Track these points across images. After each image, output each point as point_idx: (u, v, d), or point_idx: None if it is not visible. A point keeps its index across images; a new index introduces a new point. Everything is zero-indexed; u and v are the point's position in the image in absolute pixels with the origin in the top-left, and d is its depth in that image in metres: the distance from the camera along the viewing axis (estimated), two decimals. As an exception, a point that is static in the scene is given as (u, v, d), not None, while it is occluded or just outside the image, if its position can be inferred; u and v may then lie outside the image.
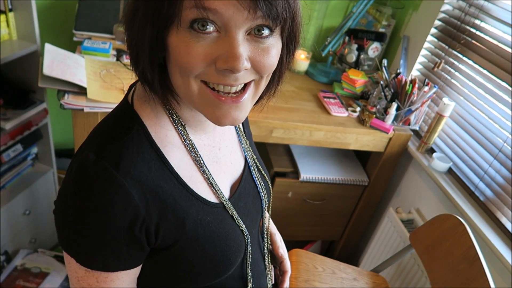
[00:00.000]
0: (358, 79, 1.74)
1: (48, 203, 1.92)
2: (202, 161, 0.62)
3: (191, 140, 0.61)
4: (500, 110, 1.36)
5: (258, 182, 0.75)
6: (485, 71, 1.43)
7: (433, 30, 1.67)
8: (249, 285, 0.73)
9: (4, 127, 1.52)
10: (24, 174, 1.79)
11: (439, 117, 1.54)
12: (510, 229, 1.28)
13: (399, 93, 1.63)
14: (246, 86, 0.52)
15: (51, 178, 1.89)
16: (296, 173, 1.72)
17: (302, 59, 1.87)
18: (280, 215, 1.77)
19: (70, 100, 1.26)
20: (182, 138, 0.60)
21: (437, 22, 1.66)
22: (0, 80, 1.63)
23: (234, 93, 0.52)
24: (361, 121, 1.62)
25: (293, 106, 1.61)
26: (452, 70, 1.59)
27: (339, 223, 1.90)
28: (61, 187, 0.56)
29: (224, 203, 0.65)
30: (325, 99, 1.68)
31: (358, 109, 1.66)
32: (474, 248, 1.06)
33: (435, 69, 1.65)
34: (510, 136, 1.32)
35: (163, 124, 0.59)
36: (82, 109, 1.26)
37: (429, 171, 1.55)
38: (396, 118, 1.65)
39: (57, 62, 1.32)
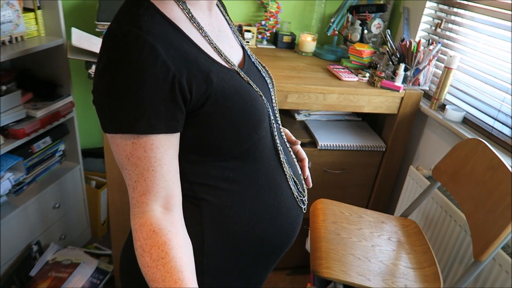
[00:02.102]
0: (364, 50, 1.82)
1: (76, 199, 1.98)
2: (208, 35, 0.68)
3: (193, 16, 0.66)
4: (504, 46, 1.42)
5: (261, 68, 0.81)
6: (484, 16, 1.50)
7: (430, -4, 1.77)
8: (281, 155, 0.77)
9: (35, 115, 1.62)
10: (53, 170, 1.87)
11: (447, 70, 1.59)
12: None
13: (406, 56, 1.70)
14: None
15: (78, 174, 1.96)
16: (314, 144, 1.76)
17: (308, 41, 1.97)
18: (302, 187, 1.78)
19: (97, 71, 1.36)
20: (185, 13, 0.65)
21: (433, -12, 1.75)
22: (30, 76, 1.75)
23: None
24: (371, 84, 1.68)
25: (305, 75, 1.69)
26: (453, 26, 1.67)
27: (362, 195, 1.90)
28: (95, 69, 0.62)
29: (238, 70, 0.70)
30: (334, 69, 1.76)
31: (367, 74, 1.73)
32: (497, 157, 1.07)
33: (437, 29, 1.72)
34: (517, 69, 1.36)
35: (167, 1, 0.64)
36: (109, 78, 1.36)
37: (445, 123, 1.58)
38: (405, 80, 1.70)
39: (84, 40, 1.43)
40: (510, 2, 1.39)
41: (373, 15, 1.89)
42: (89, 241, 2.13)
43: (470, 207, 1.10)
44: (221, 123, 0.65)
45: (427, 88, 1.74)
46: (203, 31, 0.67)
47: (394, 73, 1.69)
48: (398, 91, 1.65)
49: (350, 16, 1.94)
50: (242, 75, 0.71)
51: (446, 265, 1.38)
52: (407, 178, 1.68)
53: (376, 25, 1.95)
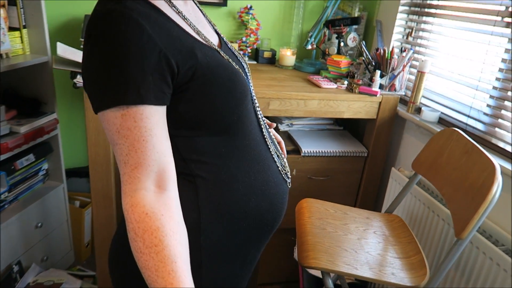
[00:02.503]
0: (342, 60, 1.89)
1: (59, 219, 1.94)
2: (187, 18, 0.72)
3: (172, 2, 0.70)
4: (470, 47, 1.50)
5: (237, 53, 0.85)
6: (450, 21, 1.60)
7: (401, 8, 1.88)
8: (264, 131, 0.80)
9: (18, 131, 1.63)
10: (36, 189, 1.85)
11: (420, 74, 1.67)
12: (510, 150, 1.33)
13: (381, 63, 1.77)
14: None
15: (61, 194, 1.94)
16: (297, 151, 1.79)
17: (288, 55, 2.05)
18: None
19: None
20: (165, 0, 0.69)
21: (403, 1, 1.86)
22: (14, 94, 1.76)
23: None
24: (350, 90, 1.75)
25: (286, 84, 1.74)
26: (423, 34, 1.76)
27: (347, 202, 1.91)
28: (83, 50, 0.63)
29: (218, 49, 0.74)
30: (314, 79, 1.82)
31: (345, 82, 1.79)
32: (470, 142, 1.12)
33: (409, 38, 1.82)
34: (484, 66, 1.44)
35: None
36: (93, 86, 1.38)
37: (422, 124, 1.63)
38: (382, 87, 1.77)
39: (69, 51, 1.46)
40: (473, 6, 1.49)
41: (348, 28, 1.99)
42: (72, 264, 2.07)
43: (449, 191, 1.13)
44: (210, 95, 0.67)
45: (403, 93, 1.80)
46: (183, 15, 0.71)
47: (371, 79, 1.76)
48: (376, 95, 1.71)
49: (327, 32, 2.04)
50: (222, 54, 0.74)
51: (434, 259, 1.39)
52: (390, 180, 1.71)
53: (352, 38, 2.04)
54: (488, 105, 1.44)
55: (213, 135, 0.72)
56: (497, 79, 1.40)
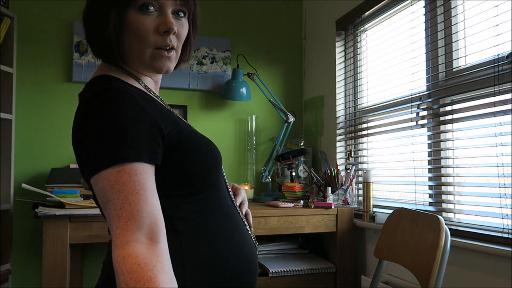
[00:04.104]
0: (296, 185, 2.05)
1: None
2: (160, 100, 0.88)
3: (148, 87, 0.86)
4: (399, 150, 1.73)
5: None
6: (379, 136, 1.87)
7: (338, 138, 2.17)
8: (233, 198, 0.86)
9: (-34, 281, 1.53)
10: None
11: (366, 185, 1.83)
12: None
13: (330, 182, 1.95)
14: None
15: None
16: (265, 273, 1.75)
17: (247, 189, 2.19)
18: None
19: (44, 210, 1.42)
20: (141, 85, 0.84)
21: (339, 131, 2.17)
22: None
23: (167, 50, 0.82)
24: (306, 206, 1.85)
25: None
26: (361, 152, 2.01)
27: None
28: (81, 124, 0.72)
29: (189, 124, 0.87)
30: (272, 202, 1.93)
31: (301, 202, 1.91)
32: (416, 211, 1.21)
33: (349, 158, 2.05)
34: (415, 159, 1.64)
35: (128, 78, 0.84)
36: (54, 214, 1.41)
37: (379, 228, 1.70)
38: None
39: (32, 188, 1.53)
40: (392, 120, 1.78)
41: (297, 161, 2.21)
42: None
43: (409, 259, 1.15)
44: (194, 155, 0.77)
45: (356, 206, 1.92)
46: (158, 97, 0.87)
47: (324, 196, 1.90)
48: (331, 207, 1.81)
49: (280, 166, 2.25)
50: (193, 128, 0.87)
51: None
52: (363, 289, 1.66)
53: (302, 170, 2.25)
54: (429, 195, 1.57)
55: (195, 195, 0.78)
56: (429, 170, 1.58)
